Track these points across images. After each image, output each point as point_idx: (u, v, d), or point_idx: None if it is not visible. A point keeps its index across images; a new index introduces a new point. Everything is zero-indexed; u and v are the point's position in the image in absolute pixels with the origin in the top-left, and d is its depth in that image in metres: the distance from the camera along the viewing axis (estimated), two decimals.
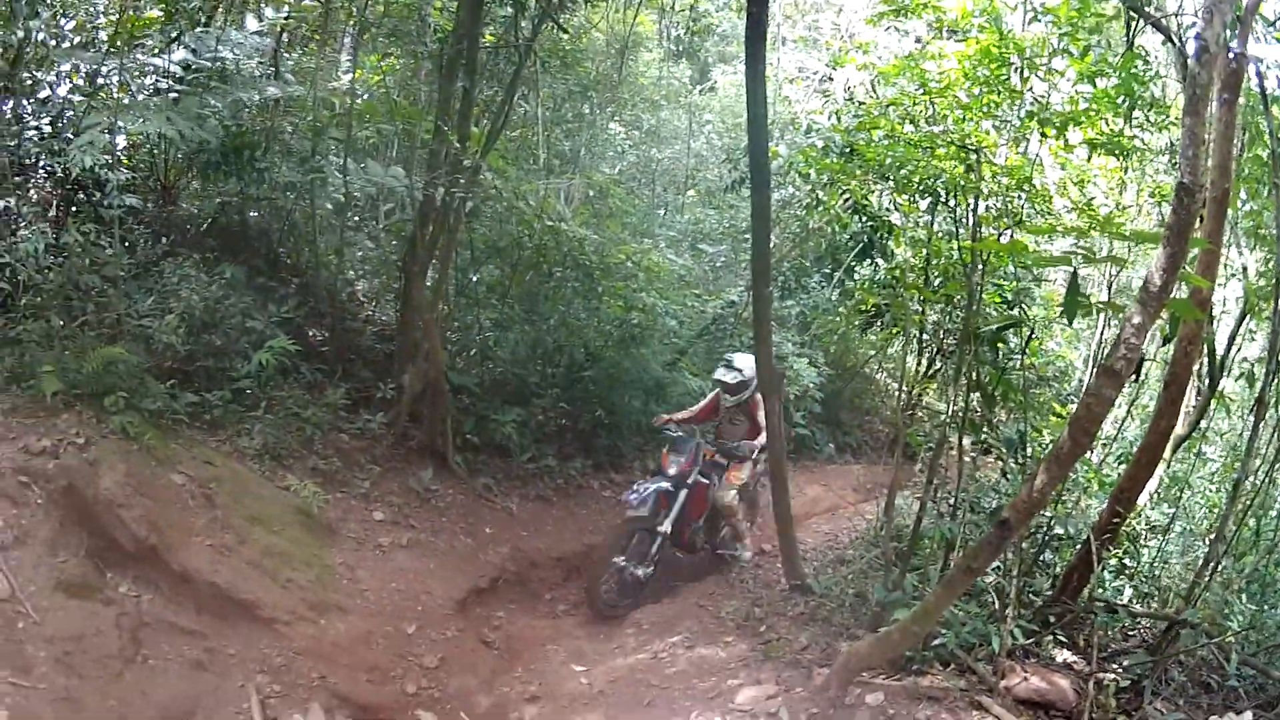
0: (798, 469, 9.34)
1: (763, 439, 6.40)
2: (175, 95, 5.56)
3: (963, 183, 5.22)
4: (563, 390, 7.11)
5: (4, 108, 5.47)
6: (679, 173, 10.01)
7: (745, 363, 6.65)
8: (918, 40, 7.81)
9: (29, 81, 5.47)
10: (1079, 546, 4.47)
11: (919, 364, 7.20)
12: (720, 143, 10.50)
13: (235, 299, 5.68)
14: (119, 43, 5.74)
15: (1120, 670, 4.00)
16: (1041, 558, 4.80)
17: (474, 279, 6.73)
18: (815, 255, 9.71)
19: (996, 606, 4.24)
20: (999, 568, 4.49)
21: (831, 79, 12.02)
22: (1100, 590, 4.61)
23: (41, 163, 5.59)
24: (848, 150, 7.07)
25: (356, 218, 6.80)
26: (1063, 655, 4.13)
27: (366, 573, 5.27)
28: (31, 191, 5.57)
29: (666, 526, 6.16)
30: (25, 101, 5.56)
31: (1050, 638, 4.21)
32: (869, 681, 3.95)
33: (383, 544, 5.56)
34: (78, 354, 4.79)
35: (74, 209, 5.51)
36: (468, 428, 6.50)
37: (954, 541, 4.62)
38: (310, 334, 6.22)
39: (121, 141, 5.86)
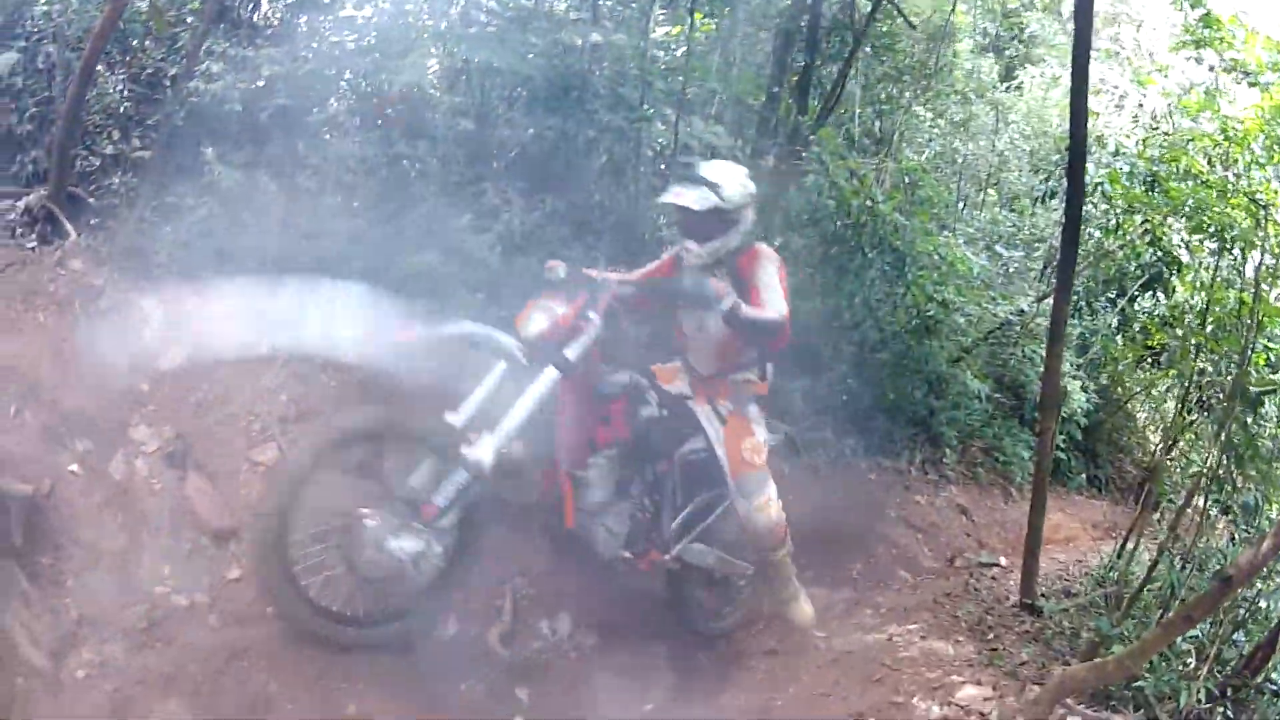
0: (1048, 493, 9.02)
1: (770, 314, 3.68)
2: (492, 29, 5.88)
3: (1251, 237, 5.26)
4: (851, 367, 7.13)
5: (298, 20, 5.98)
6: (981, 169, 9.75)
7: (725, 174, 3.82)
8: (1210, 69, 7.60)
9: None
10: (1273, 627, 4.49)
11: (1180, 411, 6.82)
12: (1025, 146, 10.15)
13: (554, 229, 5.95)
14: None
15: None
16: (1235, 635, 4.76)
17: (781, 244, 6.80)
18: (1104, 279, 9.28)
19: (1192, 666, 4.38)
20: (1200, 633, 4.57)
21: (1142, 101, 11.51)
22: (1275, 674, 4.57)
23: (346, 76, 5.99)
24: (1150, 180, 7.09)
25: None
26: None
27: None
28: (332, 101, 5.98)
29: (485, 451, 3.39)
30: (323, 17, 6.02)
31: (1222, 710, 4.29)
32: (1071, 706, 4.06)
33: None
34: (389, 258, 5.15)
35: (379, 121, 5.88)
36: None
37: (1177, 592, 4.72)
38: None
39: (434, 65, 6.20)
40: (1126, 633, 4.75)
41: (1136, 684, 4.22)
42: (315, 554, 3.53)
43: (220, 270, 4.83)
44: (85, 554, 3.72)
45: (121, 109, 5.58)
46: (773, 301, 3.74)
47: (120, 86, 5.63)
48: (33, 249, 4.78)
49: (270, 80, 5.41)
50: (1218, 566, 4.88)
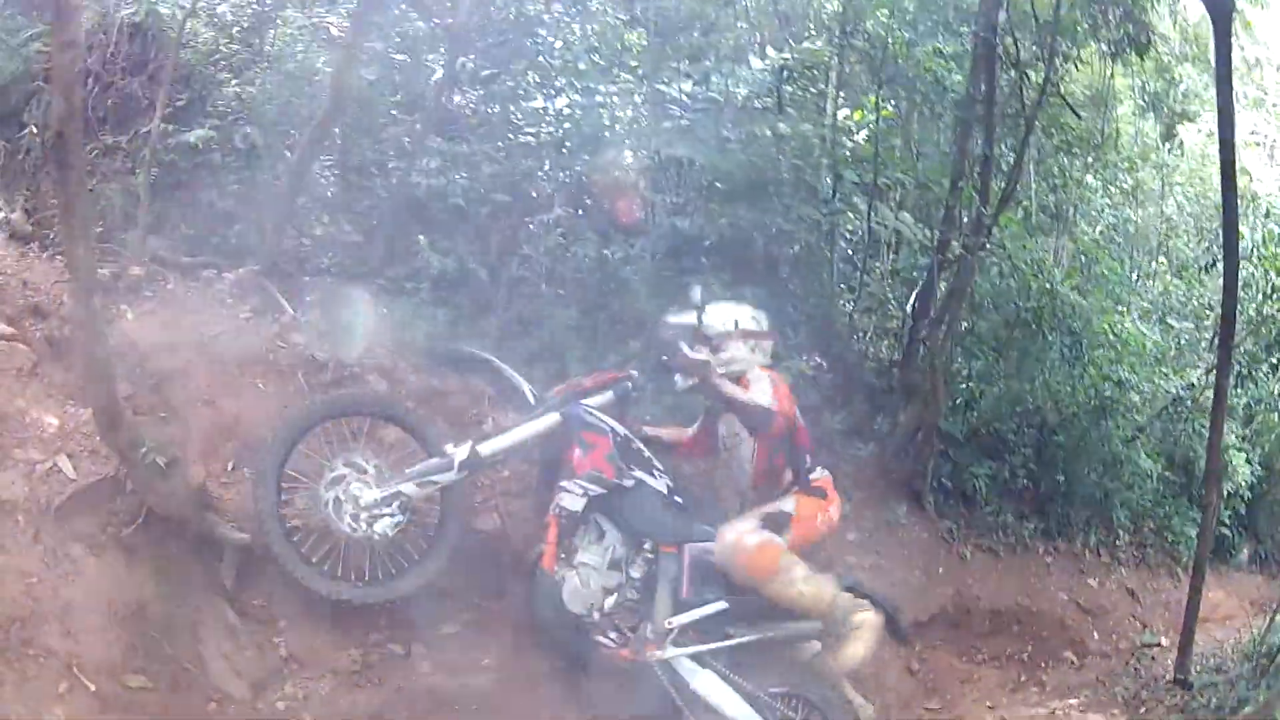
0: (1209, 571, 9.02)
1: (755, 398, 3.83)
2: (685, 123, 6.12)
3: None
4: (1033, 451, 7.32)
5: (489, 110, 6.21)
6: (1150, 237, 9.74)
7: (716, 307, 4.15)
8: None
9: (518, 91, 6.18)
10: None
11: None
12: (1190, 210, 10.07)
13: None
14: (616, 67, 6.49)
15: None
16: None
17: (966, 329, 6.96)
18: (1266, 344, 9.17)
19: None
20: None
21: None
22: None
23: (544, 168, 6.28)
24: None
25: (863, 258, 7.21)
26: None
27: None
28: (532, 192, 6.25)
29: (462, 450, 3.87)
30: (512, 108, 6.27)
31: None
32: None
33: (849, 562, 6.01)
34: (598, 345, 5.47)
35: (579, 212, 6.23)
36: (944, 472, 6.83)
37: None
38: (808, 360, 6.62)
39: (628, 157, 6.44)
40: (1263, 697, 4.99)
41: None
42: (301, 496, 3.94)
43: (436, 352, 5.12)
44: (302, 599, 3.92)
45: (329, 194, 5.90)
46: (759, 394, 3.88)
47: (327, 173, 5.97)
48: (247, 319, 4.95)
49: (476, 174, 5.74)
50: None
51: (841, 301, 6.71)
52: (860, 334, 7.51)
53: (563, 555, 3.82)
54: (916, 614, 6.05)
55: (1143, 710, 5.52)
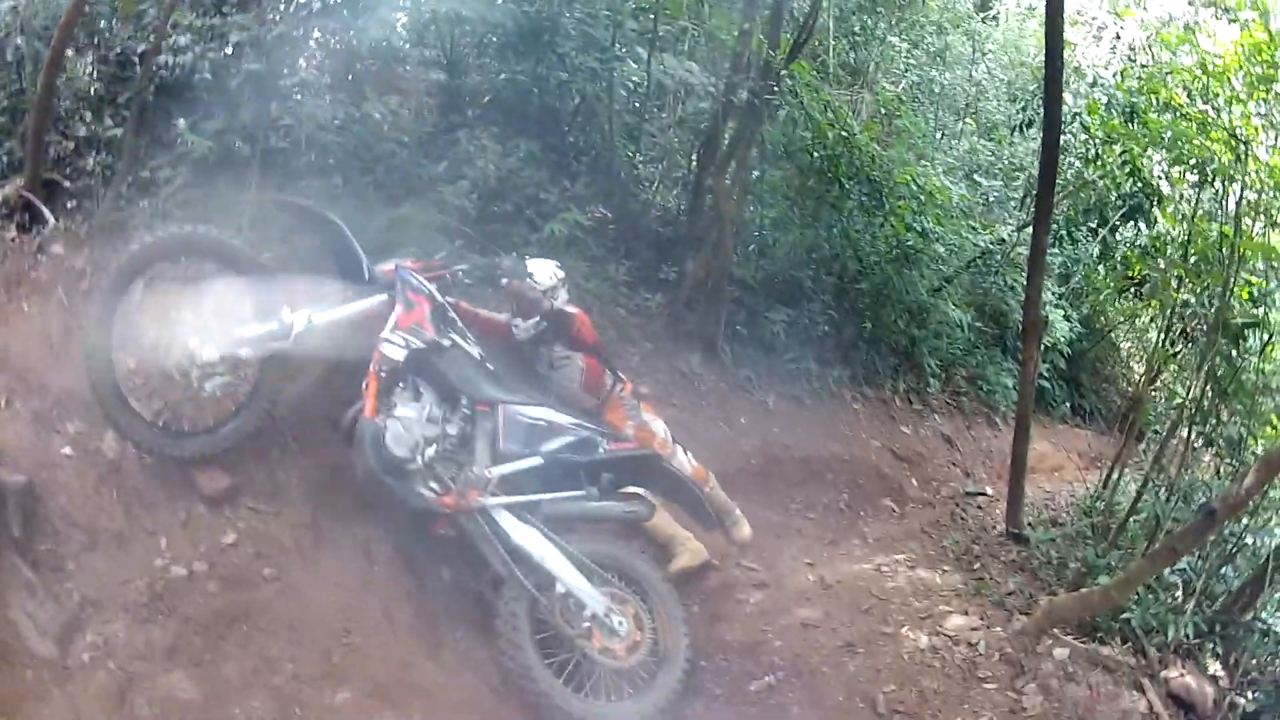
0: (1033, 423, 9.13)
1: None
2: None
3: (1232, 172, 5.32)
4: (832, 298, 7.20)
5: None
6: (958, 99, 9.68)
7: (539, 266, 4.80)
8: (1190, 2, 7.62)
9: None
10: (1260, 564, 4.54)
11: (1163, 342, 6.95)
12: (1003, 76, 10.06)
13: (529, 172, 5.89)
14: None
15: (1249, 699, 4.23)
16: (1223, 570, 4.80)
17: (758, 177, 6.77)
18: (1084, 208, 9.29)
19: (1180, 600, 4.46)
20: (1188, 566, 4.65)
21: (1119, 33, 11.43)
22: (1265, 613, 4.63)
23: (315, 35, 5.77)
24: (1128, 111, 7.13)
25: (647, 107, 6.94)
26: (1214, 667, 4.35)
27: None
28: (301, 60, 5.77)
29: (299, 319, 3.94)
30: None
31: (1210, 646, 4.38)
32: (1058, 636, 4.22)
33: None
34: (366, 212, 5.07)
35: (349, 78, 5.85)
36: (739, 320, 6.60)
37: (1162, 523, 4.80)
38: (593, 211, 6.37)
39: (403, 17, 6.08)
40: (1113, 563, 4.85)
41: (1123, 616, 4.31)
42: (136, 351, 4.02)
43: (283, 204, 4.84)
44: (84, 536, 3.70)
45: (92, 91, 5.38)
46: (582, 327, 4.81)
47: (89, 69, 5.44)
48: (13, 239, 4.61)
49: (238, 47, 5.21)
50: (1202, 499, 4.91)
51: (625, 152, 6.45)
52: (646, 184, 7.25)
53: (381, 410, 3.92)
54: (723, 466, 5.76)
55: (977, 566, 5.27)
